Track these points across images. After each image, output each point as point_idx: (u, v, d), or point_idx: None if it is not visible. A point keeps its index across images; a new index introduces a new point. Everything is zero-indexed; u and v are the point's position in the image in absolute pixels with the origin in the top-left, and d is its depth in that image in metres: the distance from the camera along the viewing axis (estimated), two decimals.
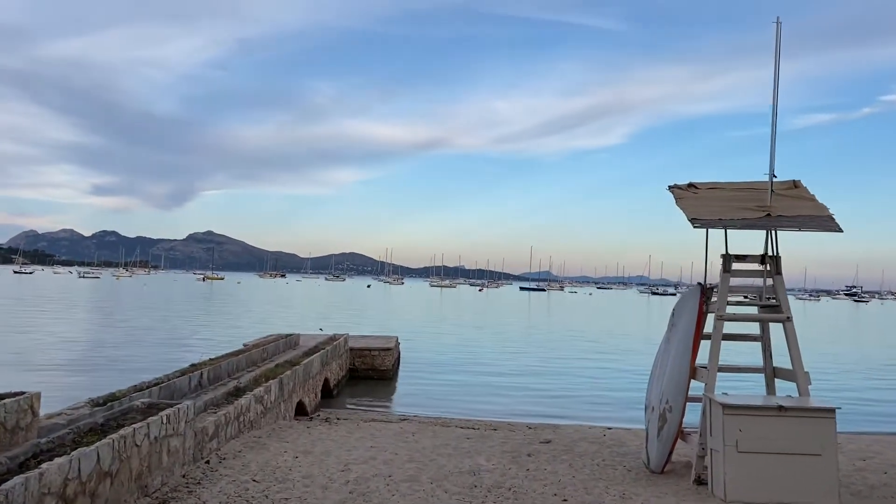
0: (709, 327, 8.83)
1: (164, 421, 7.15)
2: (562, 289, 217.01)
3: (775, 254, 8.58)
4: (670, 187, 9.39)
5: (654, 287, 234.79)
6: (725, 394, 8.45)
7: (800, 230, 8.16)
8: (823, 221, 8.19)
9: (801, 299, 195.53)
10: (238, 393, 11.19)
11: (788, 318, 8.42)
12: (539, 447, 10.77)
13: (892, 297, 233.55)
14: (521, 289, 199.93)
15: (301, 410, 15.03)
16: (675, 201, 9.05)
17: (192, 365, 14.09)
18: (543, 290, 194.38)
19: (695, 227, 8.32)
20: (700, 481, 8.26)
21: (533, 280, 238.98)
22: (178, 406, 7.64)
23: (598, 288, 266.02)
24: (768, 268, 8.60)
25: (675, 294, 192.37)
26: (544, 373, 25.55)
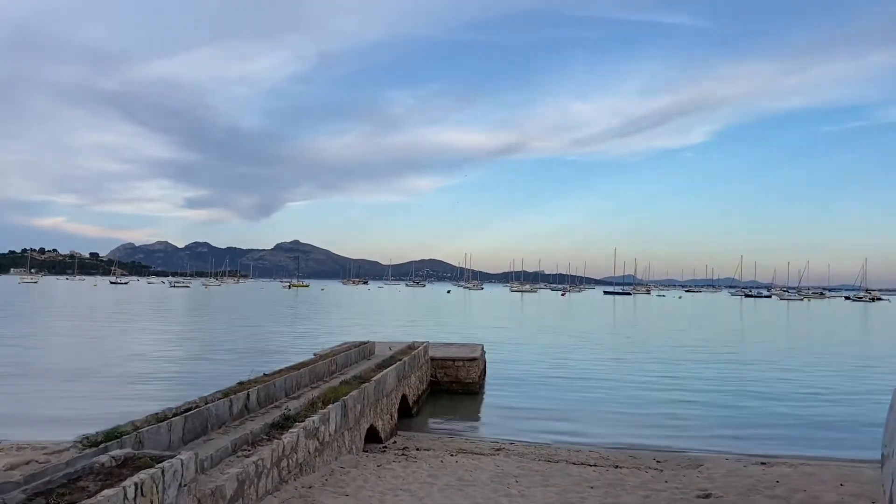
0: None
1: (132, 493, 4.41)
2: (648, 292, 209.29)
3: None
4: None
5: (746, 290, 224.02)
6: None
7: None
8: None
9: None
10: (284, 424, 8.47)
11: None
12: None
13: None
14: (606, 293, 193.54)
15: (373, 436, 12.27)
16: None
17: (240, 383, 11.53)
18: (629, 293, 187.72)
19: None
20: None
21: (616, 284, 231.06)
22: (164, 464, 4.90)
23: (686, 291, 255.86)
24: None
25: (769, 296, 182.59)
26: (659, 386, 21.89)
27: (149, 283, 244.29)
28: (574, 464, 11.00)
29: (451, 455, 10.98)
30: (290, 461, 7.66)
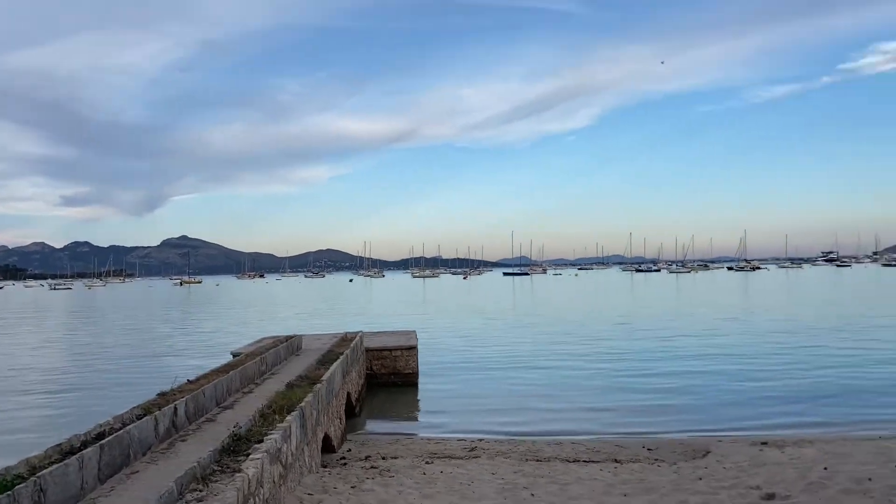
0: None
1: None
2: (544, 272, 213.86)
3: None
4: None
5: (636, 265, 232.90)
6: None
7: None
8: None
9: (783, 267, 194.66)
10: (237, 447, 6.45)
11: None
12: None
13: (869, 260, 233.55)
14: (505, 274, 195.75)
15: (326, 446, 10.33)
16: None
17: (161, 394, 9.33)
18: (527, 274, 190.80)
19: None
20: None
21: (514, 266, 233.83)
22: None
23: (579, 269, 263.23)
24: None
25: (658, 270, 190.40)
26: (598, 367, 20.78)
27: (26, 286, 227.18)
28: (569, 461, 9.53)
29: (428, 462, 9.23)
30: (258, 499, 5.68)
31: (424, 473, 8.38)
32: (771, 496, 6.70)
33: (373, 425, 14.05)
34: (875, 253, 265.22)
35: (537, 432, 12.55)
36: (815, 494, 6.70)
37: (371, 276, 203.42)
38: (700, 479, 7.69)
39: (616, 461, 9.47)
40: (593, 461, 9.54)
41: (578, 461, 9.57)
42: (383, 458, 9.66)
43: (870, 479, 7.16)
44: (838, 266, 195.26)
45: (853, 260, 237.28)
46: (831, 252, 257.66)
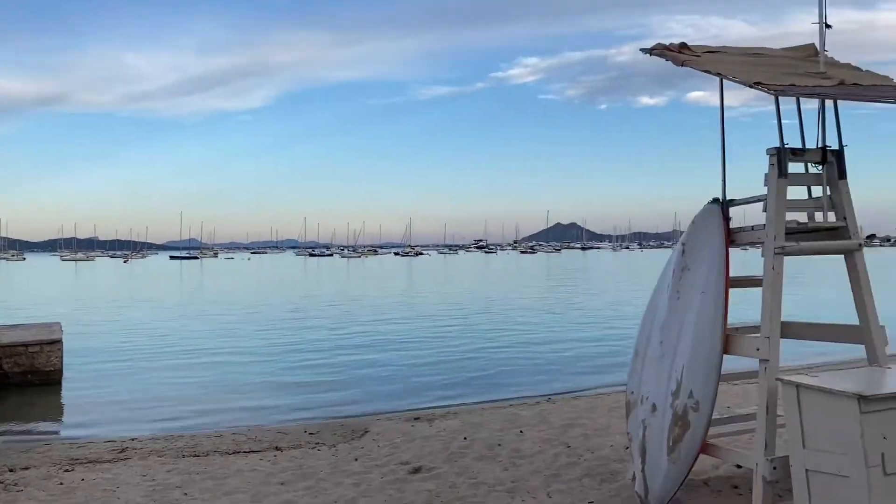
0: (736, 265, 5.64)
1: None
2: (216, 255, 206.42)
3: (840, 147, 5.62)
4: (652, 50, 5.91)
5: (309, 249, 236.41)
6: (811, 375, 5.32)
7: (894, 102, 5.25)
8: None
9: (442, 253, 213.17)
10: None
11: (860, 245, 5.55)
12: (411, 479, 6.70)
13: (511, 247, 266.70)
14: (172, 258, 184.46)
15: None
16: (678, 63, 5.61)
17: None
18: (196, 257, 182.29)
19: (769, 91, 4.93)
20: None
21: (182, 248, 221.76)
22: None
23: (252, 253, 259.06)
24: (826, 171, 5.63)
25: (331, 255, 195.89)
26: (263, 352, 20.70)
27: None
28: (229, 454, 9.25)
29: (67, 470, 8.26)
30: None
31: (62, 483, 7.49)
32: (418, 469, 7.23)
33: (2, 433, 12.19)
34: (515, 241, 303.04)
35: (197, 426, 11.99)
36: (455, 463, 7.38)
37: (8, 259, 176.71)
38: (356, 459, 8.01)
39: (277, 449, 9.43)
40: (254, 451, 9.39)
41: (239, 452, 9.35)
42: (11, 471, 8.41)
43: (499, 445, 8.11)
44: (486, 252, 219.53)
45: (498, 247, 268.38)
46: (481, 240, 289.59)
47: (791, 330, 6.29)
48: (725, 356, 5.57)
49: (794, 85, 5.05)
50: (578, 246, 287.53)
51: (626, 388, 6.26)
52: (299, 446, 9.60)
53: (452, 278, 65.02)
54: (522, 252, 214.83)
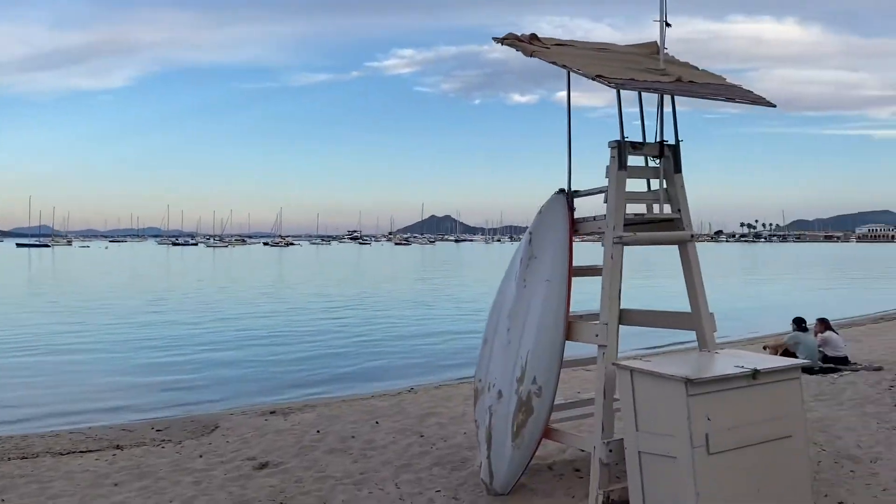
0: (579, 255, 5.77)
1: None
2: (69, 243, 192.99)
3: (676, 142, 5.83)
4: (503, 39, 5.93)
5: (172, 238, 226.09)
6: (644, 359, 5.49)
7: (725, 100, 5.50)
8: (748, 93, 5.70)
9: (314, 244, 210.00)
10: None
11: (693, 236, 5.81)
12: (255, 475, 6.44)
13: (385, 239, 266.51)
14: (19, 245, 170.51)
15: None
16: (527, 53, 5.65)
17: None
18: (48, 245, 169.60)
19: (609, 85, 5.03)
20: None
21: (32, 235, 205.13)
22: None
23: (110, 241, 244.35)
24: (663, 164, 5.84)
25: (196, 244, 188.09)
26: (111, 346, 19.47)
27: None
28: (62, 454, 8.58)
29: None
30: None
31: None
32: (264, 465, 6.96)
33: None
34: (390, 233, 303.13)
35: (33, 427, 11.06)
36: (304, 458, 7.16)
37: None
38: (201, 455, 7.61)
39: (118, 447, 8.84)
40: (91, 450, 8.75)
41: (74, 452, 8.68)
42: None
43: (353, 437, 7.96)
44: (360, 244, 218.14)
45: (373, 239, 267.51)
46: (355, 231, 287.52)
47: (630, 317, 6.54)
48: (573, 344, 5.68)
49: (633, 79, 5.20)
50: (452, 238, 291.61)
51: (474, 376, 6.28)
52: (143, 444, 9.04)
53: (324, 270, 64.09)
54: (397, 244, 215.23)
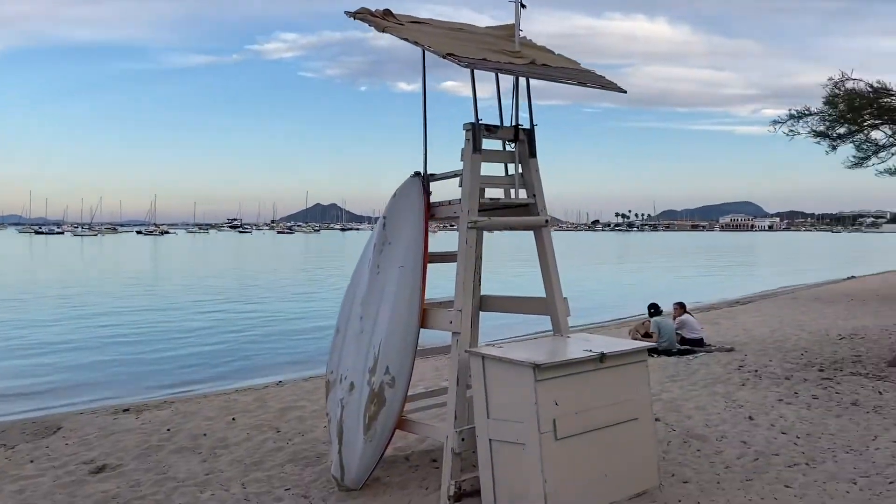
0: (435, 241, 5.61)
1: None
2: None
3: (531, 126, 5.75)
4: (355, 13, 5.65)
5: (37, 226, 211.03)
6: (494, 345, 5.39)
7: (577, 84, 5.45)
8: (600, 78, 5.69)
9: (192, 232, 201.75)
10: None
11: (547, 221, 5.77)
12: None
13: (267, 227, 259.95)
14: None
15: None
16: (379, 29, 5.41)
17: None
18: None
19: (460, 64, 4.85)
20: (460, 497, 5.12)
21: None
22: None
23: None
24: (518, 148, 5.75)
25: (62, 233, 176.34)
26: None
27: None
28: None
29: None
30: None
31: None
32: (101, 468, 6.40)
33: None
34: (273, 221, 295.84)
35: None
36: (146, 459, 6.65)
37: None
38: (32, 461, 6.93)
39: None
40: None
41: None
42: None
43: (205, 435, 7.49)
44: (241, 232, 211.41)
45: (254, 227, 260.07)
46: (235, 219, 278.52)
47: (488, 303, 6.47)
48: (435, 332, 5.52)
49: (485, 60, 5.06)
50: (338, 227, 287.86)
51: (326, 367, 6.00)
52: None
53: (200, 260, 61.55)
54: (279, 232, 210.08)
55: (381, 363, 5.32)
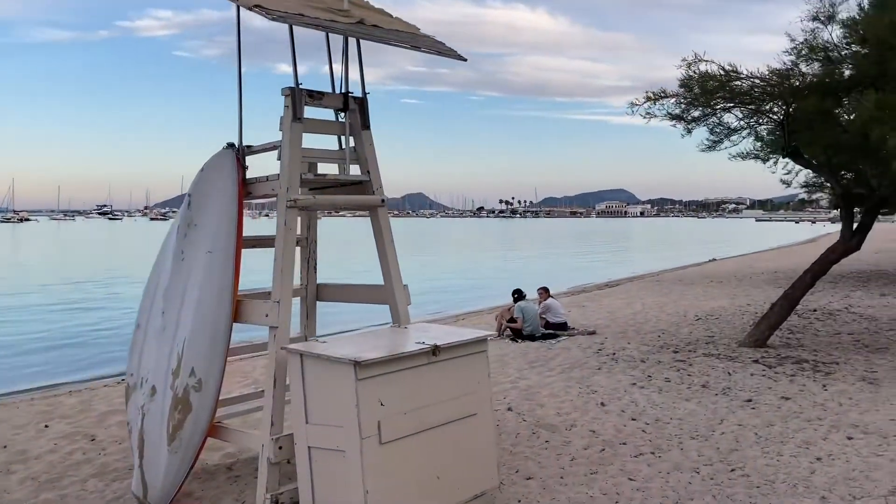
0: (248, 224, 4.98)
1: None
2: None
3: (363, 94, 5.18)
4: None
5: None
6: (321, 340, 4.79)
7: (410, 48, 4.93)
8: (439, 44, 5.19)
9: (55, 219, 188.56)
10: None
11: (383, 200, 5.24)
12: None
13: (140, 214, 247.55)
14: None
15: None
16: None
17: None
18: None
19: (268, 17, 4.20)
20: None
21: None
22: None
23: None
24: (348, 119, 5.17)
25: None
26: None
27: None
28: None
29: None
30: None
31: None
32: None
33: None
34: (146, 207, 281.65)
35: None
36: None
37: None
38: None
39: None
40: None
41: None
42: None
43: (4, 447, 6.52)
44: (111, 219, 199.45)
45: (125, 213, 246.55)
46: (105, 205, 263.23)
47: (325, 293, 5.90)
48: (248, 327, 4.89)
49: (302, 15, 4.45)
50: None
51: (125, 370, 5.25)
52: None
53: (62, 248, 57.27)
54: (153, 219, 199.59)
55: (185, 364, 4.63)
